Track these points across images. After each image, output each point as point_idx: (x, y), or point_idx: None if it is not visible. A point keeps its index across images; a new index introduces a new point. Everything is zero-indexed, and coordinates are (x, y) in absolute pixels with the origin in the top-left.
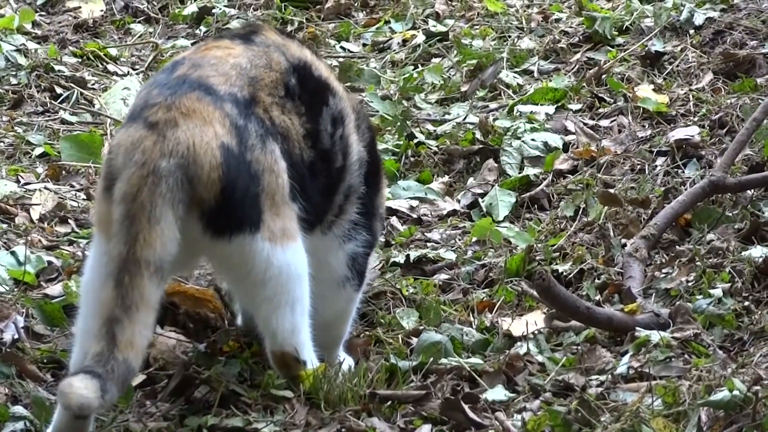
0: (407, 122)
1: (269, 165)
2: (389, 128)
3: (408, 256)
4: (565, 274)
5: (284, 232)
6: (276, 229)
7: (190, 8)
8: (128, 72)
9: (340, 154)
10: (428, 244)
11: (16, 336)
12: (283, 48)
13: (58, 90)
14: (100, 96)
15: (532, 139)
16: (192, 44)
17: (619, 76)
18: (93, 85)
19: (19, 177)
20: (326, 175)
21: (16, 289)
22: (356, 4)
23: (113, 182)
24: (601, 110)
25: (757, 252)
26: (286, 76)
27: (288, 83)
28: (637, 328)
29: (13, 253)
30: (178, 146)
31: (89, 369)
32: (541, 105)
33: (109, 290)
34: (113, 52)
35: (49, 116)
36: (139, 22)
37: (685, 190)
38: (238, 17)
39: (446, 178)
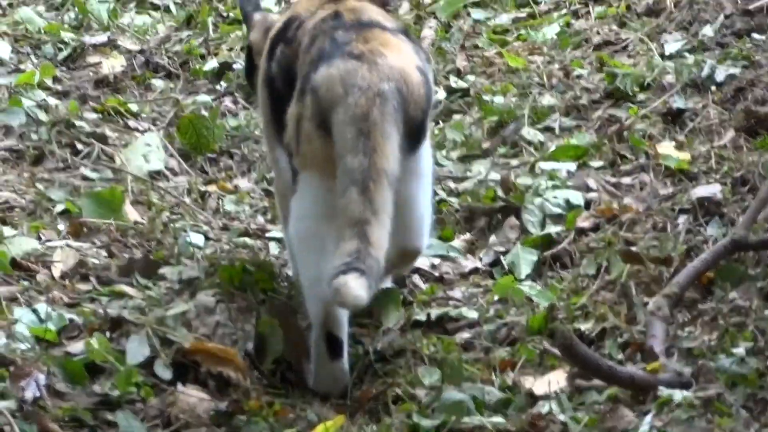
0: None
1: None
2: None
3: (429, 314)
4: (587, 332)
5: None
6: None
7: (211, 64)
8: (149, 128)
9: None
10: (450, 302)
11: (38, 394)
12: None
13: (79, 146)
14: (120, 152)
15: (554, 197)
16: (213, 100)
17: (641, 133)
18: (114, 141)
19: (40, 234)
20: None
21: (37, 347)
22: None
23: (325, 115)
24: (622, 167)
25: None
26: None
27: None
28: (660, 387)
29: (34, 311)
30: (392, 70)
31: (355, 266)
32: (563, 162)
33: (354, 196)
34: (134, 107)
35: (70, 172)
36: (159, 77)
37: (708, 248)
38: None
39: (468, 236)
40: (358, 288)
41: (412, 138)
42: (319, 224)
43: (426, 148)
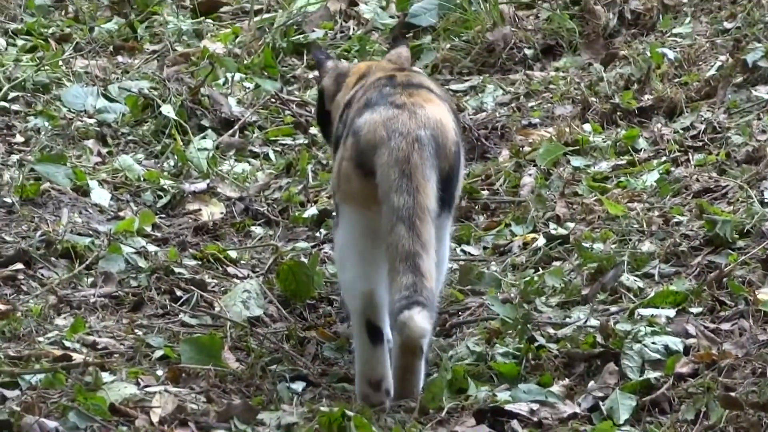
0: (528, 325)
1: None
2: (510, 331)
3: None
4: None
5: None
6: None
7: (310, 211)
8: (248, 275)
9: None
10: None
11: None
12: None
13: (178, 293)
14: (220, 299)
15: (653, 343)
16: (312, 247)
17: (740, 279)
18: (213, 287)
19: (139, 379)
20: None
21: None
22: (477, 207)
23: (365, 157)
24: (721, 313)
25: None
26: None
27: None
28: None
29: None
30: (429, 120)
31: (415, 300)
32: (662, 308)
33: (403, 232)
34: (233, 254)
35: (169, 319)
36: (259, 224)
37: None
38: None
39: (567, 381)
40: (421, 321)
41: (441, 193)
42: (357, 242)
43: (450, 218)
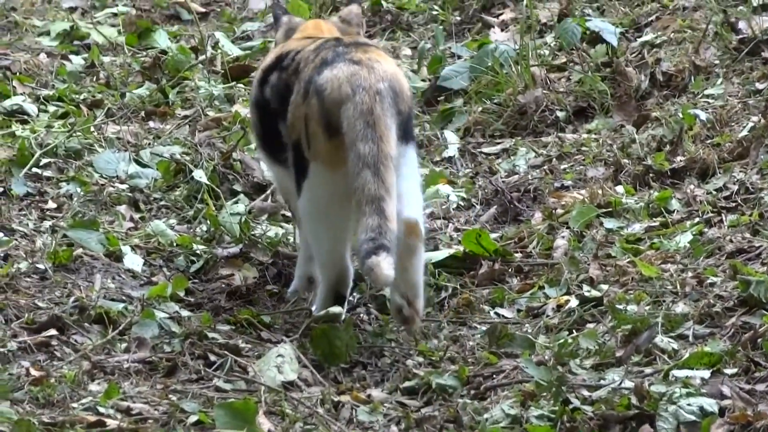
0: (562, 388)
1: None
2: (544, 394)
3: None
4: None
5: None
6: None
7: None
8: (282, 339)
9: None
10: None
11: None
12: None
13: (212, 357)
14: (254, 363)
15: (688, 404)
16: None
17: None
18: (247, 352)
19: None
20: None
21: None
22: (510, 270)
23: (332, 116)
24: (756, 374)
25: None
26: None
27: None
28: None
29: None
30: (386, 74)
31: (380, 243)
32: (697, 370)
33: (369, 177)
34: (267, 318)
35: (203, 384)
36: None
37: None
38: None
39: None
40: (387, 268)
41: (403, 130)
42: (327, 203)
43: (414, 146)
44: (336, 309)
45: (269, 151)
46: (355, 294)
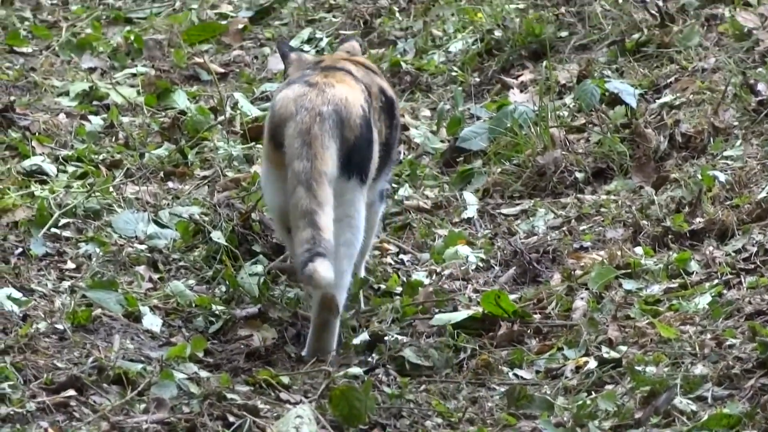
0: None
1: (376, 140)
2: None
3: None
4: None
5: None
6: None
7: (362, 336)
8: (301, 400)
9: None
10: None
11: None
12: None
13: (231, 418)
14: (272, 424)
15: None
16: (364, 372)
17: None
18: (266, 413)
19: None
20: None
21: None
22: (529, 331)
23: (278, 130)
24: None
25: None
26: (380, 93)
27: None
28: None
29: None
30: (334, 98)
31: (316, 252)
32: (716, 431)
33: (301, 193)
34: (285, 379)
35: None
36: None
37: None
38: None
39: None
40: (325, 270)
41: (347, 159)
42: (271, 185)
43: (360, 187)
44: (355, 370)
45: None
46: (374, 355)
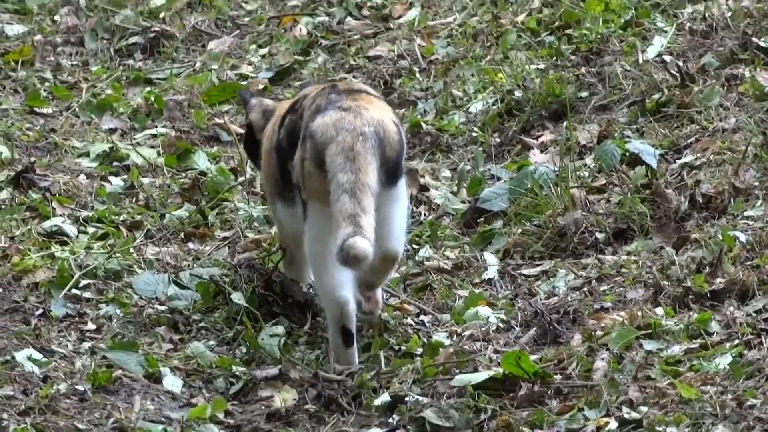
0: None
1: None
2: None
3: None
4: None
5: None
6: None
7: (383, 397)
8: None
9: None
10: None
11: None
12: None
13: None
14: None
15: None
16: None
17: None
18: None
19: None
20: None
21: None
22: (549, 392)
23: (322, 155)
24: None
25: None
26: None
27: None
28: None
29: None
30: (372, 120)
31: (356, 232)
32: None
33: (346, 200)
34: None
35: None
36: (331, 412)
37: None
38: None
39: None
40: (365, 245)
41: (390, 174)
42: (327, 243)
43: (402, 184)
44: None
45: (281, 194)
46: (394, 416)
